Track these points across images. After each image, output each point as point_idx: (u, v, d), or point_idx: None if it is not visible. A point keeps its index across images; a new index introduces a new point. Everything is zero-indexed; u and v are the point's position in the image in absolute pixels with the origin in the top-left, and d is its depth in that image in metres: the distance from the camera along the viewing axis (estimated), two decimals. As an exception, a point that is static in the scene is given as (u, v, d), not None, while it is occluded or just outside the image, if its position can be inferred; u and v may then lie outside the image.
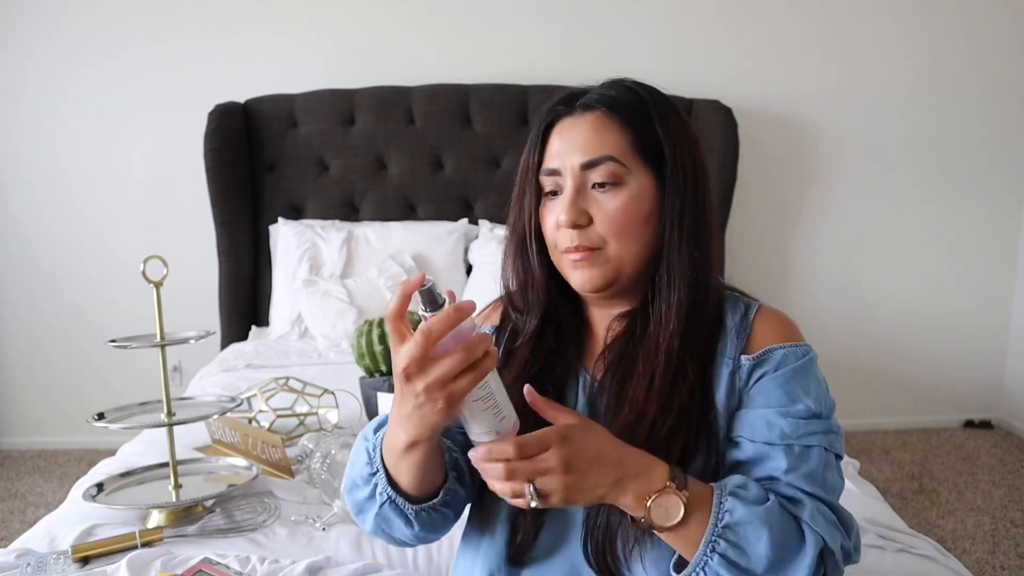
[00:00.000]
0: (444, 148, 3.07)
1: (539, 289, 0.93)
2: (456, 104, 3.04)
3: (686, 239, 0.87)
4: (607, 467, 0.74)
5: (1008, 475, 2.97)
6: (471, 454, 0.73)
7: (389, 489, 0.83)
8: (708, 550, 0.75)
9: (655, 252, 0.88)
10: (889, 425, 3.45)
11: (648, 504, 0.74)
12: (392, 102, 3.04)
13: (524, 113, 3.06)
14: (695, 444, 0.83)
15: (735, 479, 0.79)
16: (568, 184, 0.86)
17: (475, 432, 0.74)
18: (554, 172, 0.88)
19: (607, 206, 0.86)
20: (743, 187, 3.10)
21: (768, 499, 0.78)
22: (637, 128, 0.87)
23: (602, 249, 0.86)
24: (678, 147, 0.87)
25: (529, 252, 0.92)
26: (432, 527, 0.87)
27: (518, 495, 0.72)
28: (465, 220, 3.01)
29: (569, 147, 0.87)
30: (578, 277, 0.88)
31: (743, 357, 0.86)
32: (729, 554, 0.75)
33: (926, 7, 3.21)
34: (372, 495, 0.85)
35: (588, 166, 0.86)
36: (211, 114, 2.94)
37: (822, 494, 0.81)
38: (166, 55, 3.12)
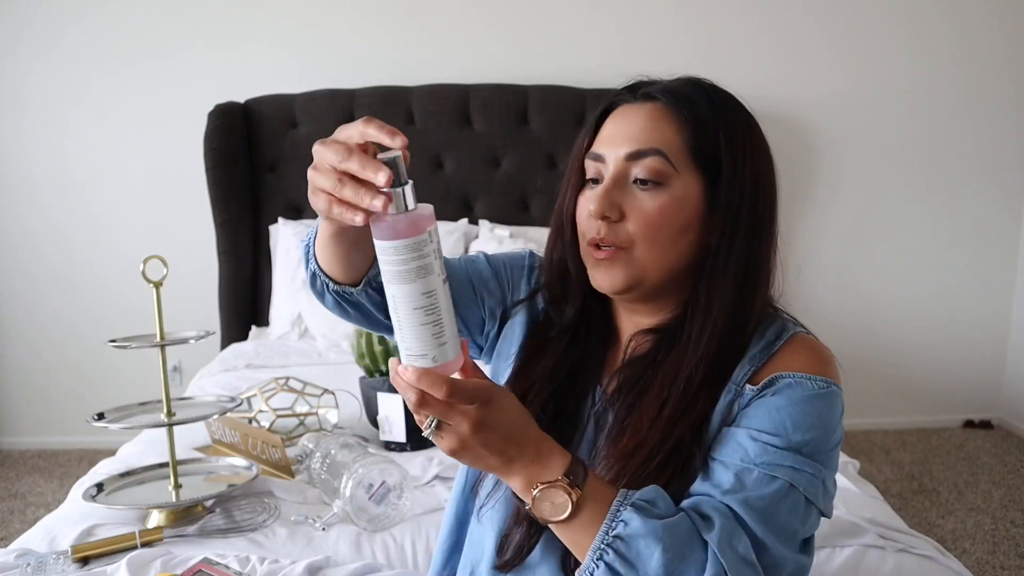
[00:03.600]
0: (444, 148, 3.06)
1: (576, 280, 0.88)
2: (456, 104, 3.04)
3: (734, 263, 0.80)
4: (508, 443, 0.69)
5: (1008, 475, 2.97)
6: (395, 367, 0.67)
7: (316, 264, 0.86)
8: (595, 557, 0.70)
9: (692, 267, 0.82)
10: (889, 425, 3.44)
11: (534, 493, 0.70)
12: (392, 102, 3.04)
13: (524, 113, 3.06)
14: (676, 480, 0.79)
15: (647, 491, 0.73)
16: (608, 173, 0.81)
17: (409, 351, 0.66)
18: (599, 158, 0.83)
19: (644, 204, 0.80)
20: (743, 187, 3.09)
21: (674, 516, 0.72)
22: (696, 128, 0.80)
23: (627, 250, 0.80)
24: (740, 158, 0.80)
25: (564, 239, 0.87)
26: (341, 309, 0.90)
27: (419, 417, 0.68)
28: (465, 220, 3.01)
29: (619, 135, 0.82)
30: (597, 275, 0.83)
31: (748, 386, 0.79)
32: (616, 566, 0.69)
33: (929, 9, 3.21)
34: (309, 251, 0.88)
35: (633, 157, 0.80)
36: (211, 114, 2.94)
37: (752, 525, 0.73)
38: (166, 55, 3.11)
